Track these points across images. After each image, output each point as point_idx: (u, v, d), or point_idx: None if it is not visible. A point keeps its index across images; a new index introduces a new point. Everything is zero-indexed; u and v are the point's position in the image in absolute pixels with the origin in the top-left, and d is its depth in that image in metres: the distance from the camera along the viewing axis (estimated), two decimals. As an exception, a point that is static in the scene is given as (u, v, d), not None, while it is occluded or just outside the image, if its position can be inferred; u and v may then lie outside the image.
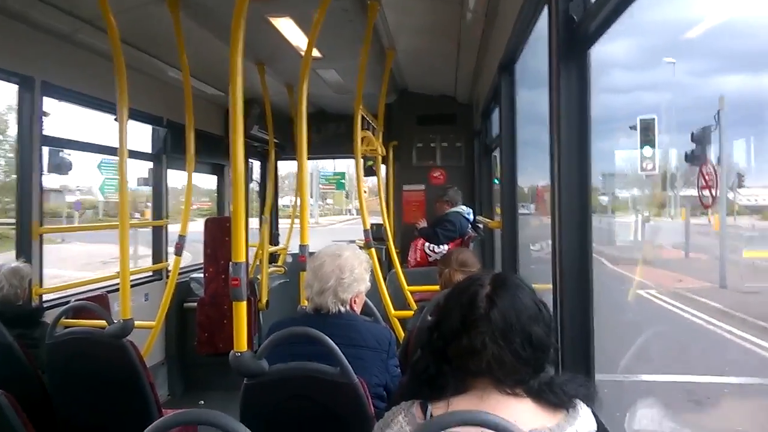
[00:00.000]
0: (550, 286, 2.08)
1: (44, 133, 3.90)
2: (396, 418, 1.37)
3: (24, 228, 3.83)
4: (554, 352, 1.40)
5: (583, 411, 1.35)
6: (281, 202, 9.50)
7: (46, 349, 2.90)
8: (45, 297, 4.02)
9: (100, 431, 2.87)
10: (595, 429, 1.35)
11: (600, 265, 7.48)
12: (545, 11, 2.18)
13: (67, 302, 3.86)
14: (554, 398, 1.33)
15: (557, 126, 1.98)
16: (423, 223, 6.22)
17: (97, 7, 3.15)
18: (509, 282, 1.40)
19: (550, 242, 2.10)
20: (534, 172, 4.29)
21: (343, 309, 2.40)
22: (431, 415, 1.32)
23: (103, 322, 3.06)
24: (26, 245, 3.82)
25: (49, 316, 3.29)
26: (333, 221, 33.64)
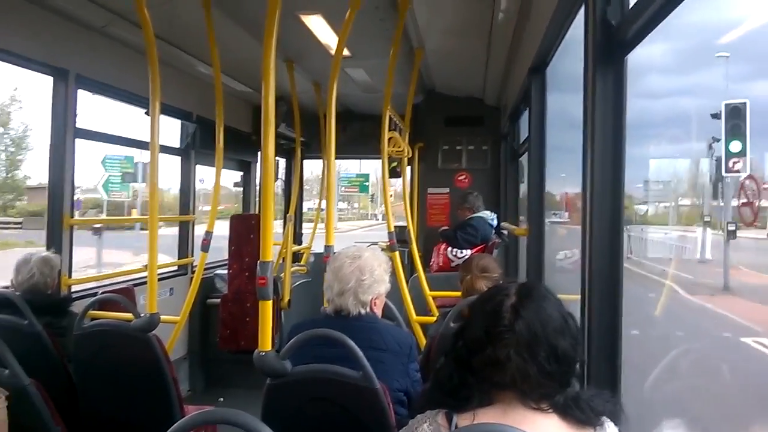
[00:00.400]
0: (578, 296, 2.04)
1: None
2: (421, 426, 1.35)
3: (55, 219, 3.90)
4: (580, 366, 1.37)
5: (611, 430, 1.31)
6: (304, 206, 9.43)
7: (73, 339, 2.94)
8: (73, 288, 4.09)
9: (123, 423, 2.90)
10: None
11: (673, 293, 6.59)
12: (581, 14, 2.13)
13: (94, 294, 3.93)
14: (581, 414, 1.30)
15: (591, 133, 1.94)
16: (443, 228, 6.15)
17: (131, 1, 3.18)
18: (535, 292, 1.37)
19: (576, 251, 2.06)
20: (566, 179, 4.19)
21: (363, 311, 2.39)
22: (456, 426, 1.30)
23: (129, 315, 3.09)
24: (57, 236, 3.89)
25: (76, 307, 3.34)
26: (354, 226, 32.83)
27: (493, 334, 1.31)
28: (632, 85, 1.87)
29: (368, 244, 7.53)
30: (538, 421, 1.28)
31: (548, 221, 4.05)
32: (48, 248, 3.70)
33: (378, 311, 2.49)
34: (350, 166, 19.95)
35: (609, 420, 1.33)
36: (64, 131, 3.87)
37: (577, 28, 2.26)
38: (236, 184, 7.40)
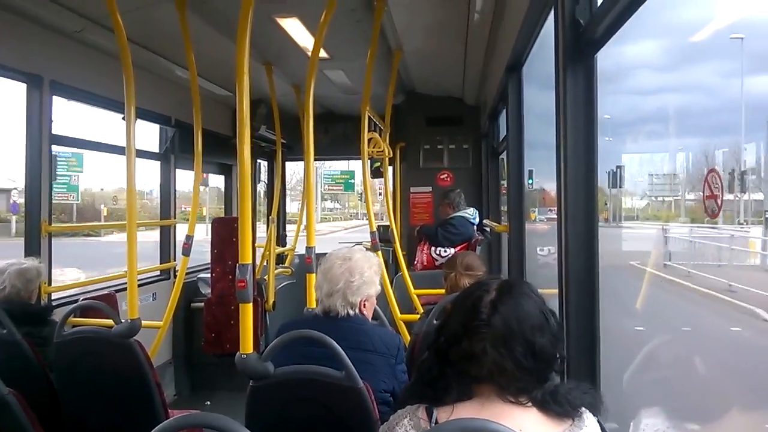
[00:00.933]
0: (556, 290, 2.07)
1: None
2: (401, 422, 1.37)
3: (33, 226, 3.86)
4: (561, 363, 1.39)
5: (589, 420, 1.34)
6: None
7: (54, 347, 2.92)
8: (54, 295, 4.05)
9: (107, 430, 2.88)
10: None
11: (748, 319, 4.48)
12: (552, 14, 2.17)
13: (75, 301, 3.89)
14: (559, 408, 1.32)
15: (563, 130, 1.98)
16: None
17: (105, 6, 3.17)
18: (516, 289, 1.38)
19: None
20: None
21: (352, 312, 2.40)
22: (437, 421, 1.32)
23: (110, 322, 3.07)
24: (35, 243, 3.85)
25: (57, 315, 3.31)
26: (337, 227, 31.59)
27: (469, 328, 1.33)
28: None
29: (352, 244, 7.55)
30: (516, 414, 1.30)
31: (545, 217, 4.03)
32: (26, 256, 3.67)
33: (368, 313, 2.51)
34: (337, 164, 19.49)
35: (588, 411, 1.36)
36: (40, 138, 3.84)
37: (551, 27, 2.30)
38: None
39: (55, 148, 4.06)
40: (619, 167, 5.81)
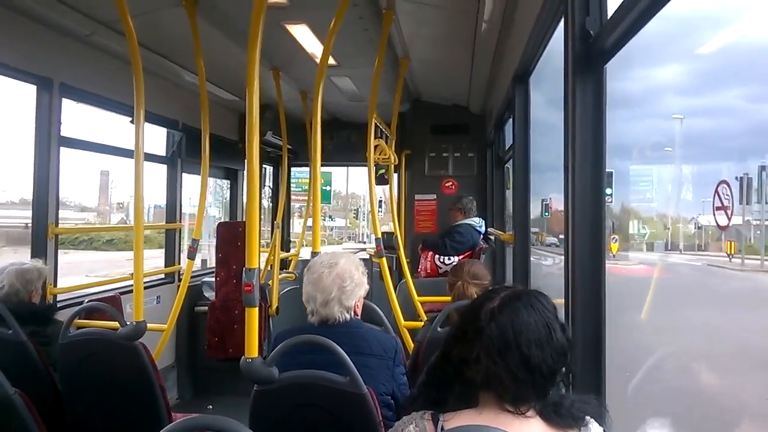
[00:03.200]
0: (562, 300, 2.07)
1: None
2: (407, 428, 1.37)
3: (40, 228, 3.88)
4: (567, 377, 1.38)
5: (595, 430, 1.34)
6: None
7: (59, 349, 2.92)
8: (60, 297, 4.06)
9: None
10: None
11: None
12: (562, 24, 2.18)
13: (80, 303, 3.90)
14: (561, 420, 1.31)
15: (572, 141, 1.98)
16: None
17: (116, 10, 3.19)
18: (521, 300, 1.36)
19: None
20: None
21: (348, 316, 2.41)
22: (442, 428, 1.32)
23: (115, 323, 3.08)
24: (41, 245, 3.87)
25: (62, 316, 3.32)
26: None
27: (466, 333, 1.36)
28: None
29: (356, 251, 7.55)
30: (516, 424, 1.30)
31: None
32: (32, 257, 3.68)
33: (359, 313, 2.52)
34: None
35: (594, 421, 1.35)
36: (49, 140, 3.86)
37: (559, 37, 2.31)
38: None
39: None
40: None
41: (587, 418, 1.34)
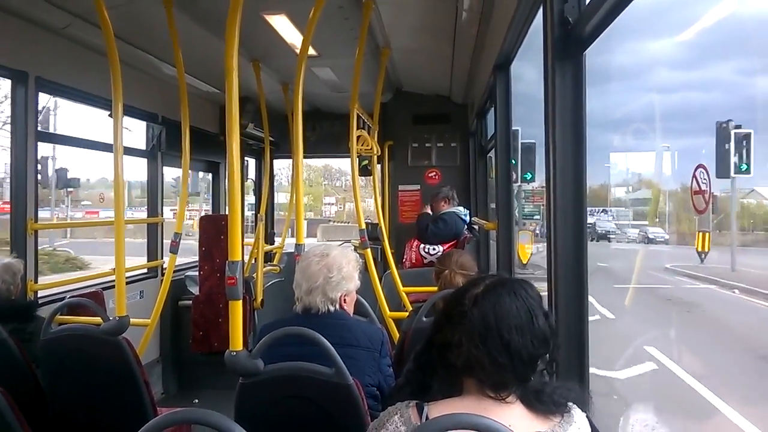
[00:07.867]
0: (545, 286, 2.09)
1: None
2: (392, 418, 1.37)
3: (18, 224, 3.82)
4: (550, 364, 1.39)
5: (578, 416, 1.35)
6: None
7: (40, 345, 2.89)
8: (40, 293, 4.01)
9: (94, 428, 2.86)
10: None
11: None
12: (541, 12, 2.19)
13: (62, 299, 3.86)
14: (543, 407, 1.33)
15: (552, 127, 1.99)
16: (428, 209, 5.99)
17: (91, 2, 3.14)
18: (504, 287, 1.38)
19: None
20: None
21: (332, 308, 2.41)
22: (427, 417, 1.32)
23: (98, 319, 3.05)
24: (20, 241, 3.81)
25: (44, 313, 3.28)
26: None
27: (449, 317, 1.38)
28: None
29: (340, 242, 7.54)
30: (498, 411, 1.31)
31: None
32: (11, 253, 3.63)
33: (348, 308, 2.51)
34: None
35: (577, 407, 1.37)
36: (25, 135, 3.80)
37: (539, 25, 2.31)
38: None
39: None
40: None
41: (570, 404, 1.35)
